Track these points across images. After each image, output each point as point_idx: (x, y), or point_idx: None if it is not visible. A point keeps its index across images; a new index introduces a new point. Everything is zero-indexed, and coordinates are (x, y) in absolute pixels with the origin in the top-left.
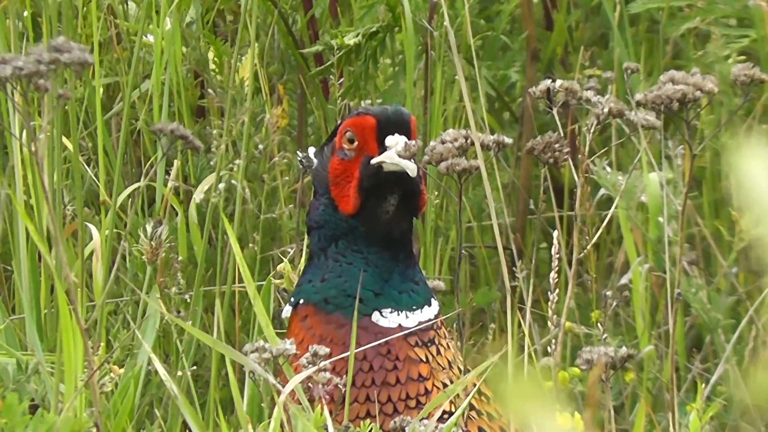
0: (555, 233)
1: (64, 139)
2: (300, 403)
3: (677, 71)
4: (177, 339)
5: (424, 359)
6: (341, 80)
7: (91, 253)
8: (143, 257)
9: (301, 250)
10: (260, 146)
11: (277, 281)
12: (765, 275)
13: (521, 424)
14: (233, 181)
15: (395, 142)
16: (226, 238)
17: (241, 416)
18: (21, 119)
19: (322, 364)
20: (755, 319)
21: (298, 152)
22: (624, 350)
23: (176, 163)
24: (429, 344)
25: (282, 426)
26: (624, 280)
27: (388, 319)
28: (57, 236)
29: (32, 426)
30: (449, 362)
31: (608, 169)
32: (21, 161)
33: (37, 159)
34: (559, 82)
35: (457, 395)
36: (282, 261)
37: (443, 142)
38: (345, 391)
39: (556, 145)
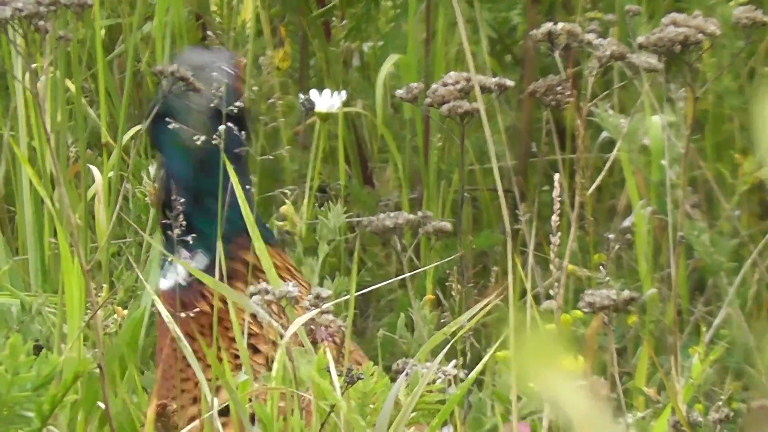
0: (557, 176)
1: (67, 81)
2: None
3: (679, 14)
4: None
5: None
6: (343, 22)
7: (94, 195)
8: (146, 199)
9: (303, 192)
10: (255, 88)
11: (280, 223)
12: None
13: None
14: None
15: None
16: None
17: (243, 355)
18: (23, 61)
19: (325, 306)
20: (758, 261)
21: (300, 94)
22: (626, 293)
23: None
24: None
25: (285, 369)
26: (626, 223)
27: None
28: (59, 178)
29: (36, 367)
30: None
31: (610, 112)
32: (24, 103)
33: (39, 101)
34: (560, 24)
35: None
36: (284, 203)
37: (445, 85)
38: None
39: (558, 88)
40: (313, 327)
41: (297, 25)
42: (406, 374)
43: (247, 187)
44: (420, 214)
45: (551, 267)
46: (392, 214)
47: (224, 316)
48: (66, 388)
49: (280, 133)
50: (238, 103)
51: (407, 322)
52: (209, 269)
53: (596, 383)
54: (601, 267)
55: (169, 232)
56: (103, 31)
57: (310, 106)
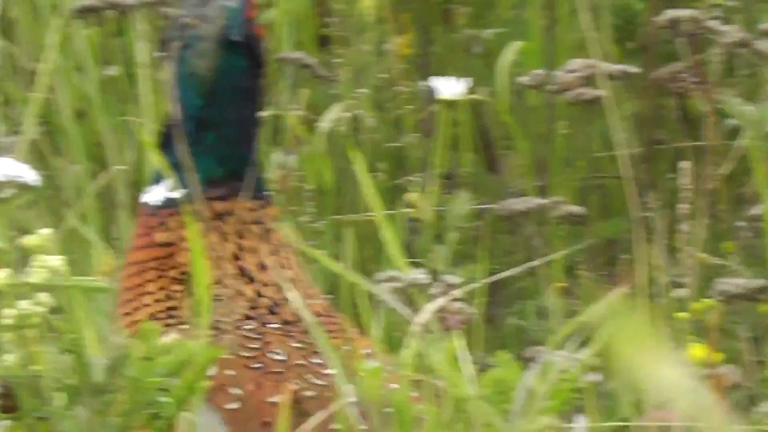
0: (685, 163)
1: None
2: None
3: None
4: (308, 268)
5: None
6: (464, 9)
7: None
8: (273, 186)
9: (429, 179)
10: (380, 75)
11: (408, 210)
12: None
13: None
14: (359, 111)
15: None
16: (354, 167)
17: (374, 342)
18: (148, 47)
19: (455, 293)
20: None
21: (422, 81)
22: (758, 281)
23: (303, 92)
24: None
25: (416, 356)
26: (755, 211)
27: None
28: (185, 162)
29: (171, 352)
30: None
31: (736, 99)
32: (148, 89)
33: (165, 87)
34: (684, 11)
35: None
36: (409, 190)
37: (569, 72)
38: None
39: (683, 75)
40: (443, 315)
41: (418, 12)
42: (538, 362)
43: (253, 128)
44: (549, 199)
45: (680, 255)
46: (523, 198)
47: (176, 253)
48: (200, 374)
49: (404, 121)
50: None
51: (537, 309)
52: (179, 203)
53: (725, 372)
54: (730, 255)
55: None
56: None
57: (432, 93)
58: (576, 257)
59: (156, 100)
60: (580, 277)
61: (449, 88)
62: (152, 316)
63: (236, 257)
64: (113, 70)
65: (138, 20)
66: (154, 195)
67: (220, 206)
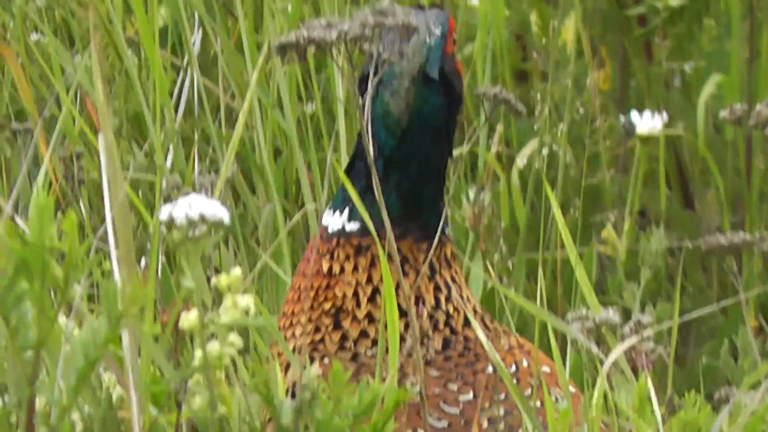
0: None
1: None
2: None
3: None
4: (500, 305)
5: None
6: (665, 42)
7: None
8: (466, 223)
9: (623, 216)
10: (581, 110)
11: (601, 247)
12: None
13: None
14: (555, 146)
15: None
16: (548, 204)
17: (562, 382)
18: (346, 83)
19: (646, 333)
20: None
21: (620, 116)
22: None
23: (499, 127)
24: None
25: (605, 396)
26: None
27: None
28: (379, 197)
29: (358, 394)
30: None
31: None
32: (345, 125)
33: (362, 123)
34: None
35: None
36: (604, 227)
37: None
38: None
39: None
40: (633, 354)
41: (618, 45)
42: (730, 404)
43: (443, 163)
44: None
45: None
46: (726, 233)
47: (333, 285)
48: (387, 417)
49: (600, 156)
50: (445, 68)
51: (730, 349)
52: (352, 235)
53: None
54: None
55: (349, 176)
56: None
57: (630, 128)
58: None
59: (353, 137)
60: None
61: (647, 122)
62: (296, 349)
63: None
64: (312, 107)
65: (337, 56)
66: (334, 221)
67: (404, 248)
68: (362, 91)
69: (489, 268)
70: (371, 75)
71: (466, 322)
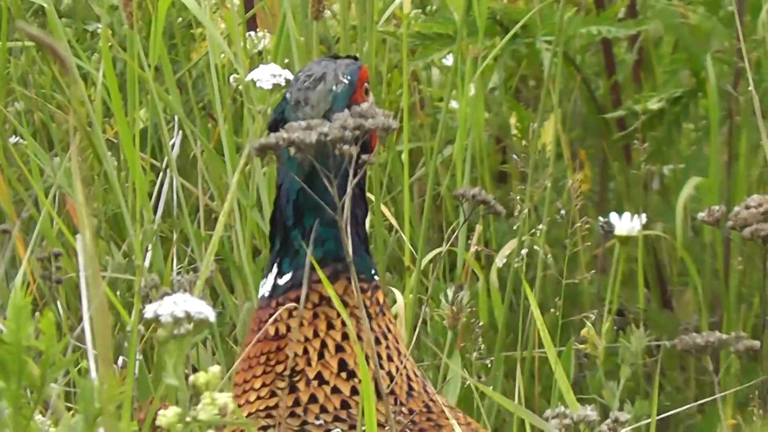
0: None
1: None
2: None
3: None
4: (478, 403)
5: None
6: (644, 145)
7: (395, 317)
8: (444, 321)
9: (602, 315)
10: (562, 211)
11: (580, 346)
12: None
13: None
14: (535, 247)
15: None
16: (526, 303)
17: None
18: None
19: (624, 431)
20: None
21: (599, 217)
22: None
23: (478, 227)
24: None
25: None
26: None
27: None
28: (359, 300)
29: None
30: None
31: None
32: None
33: (341, 224)
34: None
35: None
36: (583, 326)
37: (747, 208)
38: None
39: None
40: None
41: (597, 148)
42: None
43: (357, 212)
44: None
45: None
46: (703, 333)
47: (283, 346)
48: None
49: (579, 257)
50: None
51: None
52: (286, 289)
53: None
54: None
55: (271, 241)
56: (404, 155)
57: (609, 229)
58: (750, 394)
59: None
60: (753, 415)
61: (626, 224)
62: (251, 415)
63: (339, 348)
64: None
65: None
66: (267, 285)
67: (329, 289)
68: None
69: (467, 367)
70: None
71: (409, 390)
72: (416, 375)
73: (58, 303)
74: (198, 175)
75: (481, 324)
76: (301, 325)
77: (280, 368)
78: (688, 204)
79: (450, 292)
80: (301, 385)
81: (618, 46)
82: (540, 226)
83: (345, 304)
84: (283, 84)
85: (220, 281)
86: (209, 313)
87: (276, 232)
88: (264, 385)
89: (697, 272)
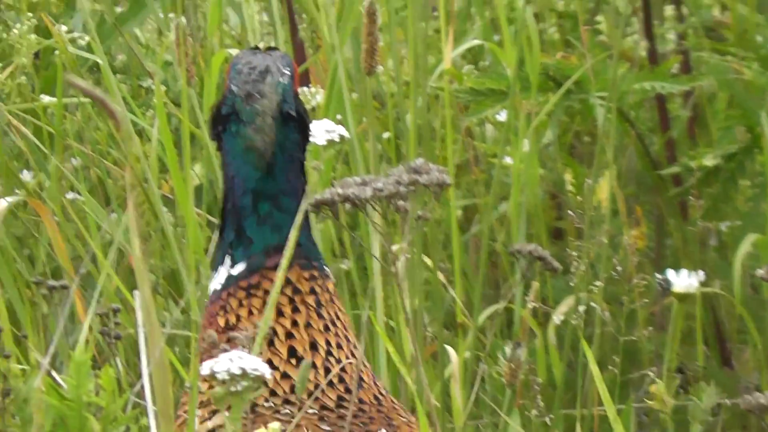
0: None
1: (425, 260)
2: None
3: None
4: None
5: None
6: (700, 202)
7: (450, 375)
8: (503, 379)
9: (661, 373)
10: (618, 268)
11: (641, 404)
12: None
13: None
14: (592, 303)
15: None
16: (584, 360)
17: None
18: (381, 240)
19: None
20: None
21: (656, 274)
22: None
23: (534, 284)
24: None
25: None
26: None
27: None
28: (417, 357)
29: None
30: None
31: None
32: (381, 283)
33: (398, 281)
34: None
35: None
36: (641, 384)
37: None
38: None
39: None
40: None
41: (653, 205)
42: None
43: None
44: None
45: None
46: (766, 392)
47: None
48: None
49: (636, 314)
50: (299, 106)
51: None
52: (239, 279)
53: None
54: None
55: (222, 235)
56: (459, 211)
57: (667, 286)
58: None
59: (388, 293)
60: None
61: (683, 281)
62: (203, 403)
63: (289, 335)
64: (347, 265)
65: (372, 214)
66: (217, 279)
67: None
68: (217, 130)
69: (526, 425)
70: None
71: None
72: (366, 366)
73: (117, 359)
74: None
75: (539, 381)
76: (251, 314)
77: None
78: (746, 261)
79: (508, 349)
80: None
81: (672, 102)
82: (597, 283)
83: (297, 292)
84: (337, 140)
85: None
86: (265, 370)
87: (227, 225)
88: None
89: (757, 330)
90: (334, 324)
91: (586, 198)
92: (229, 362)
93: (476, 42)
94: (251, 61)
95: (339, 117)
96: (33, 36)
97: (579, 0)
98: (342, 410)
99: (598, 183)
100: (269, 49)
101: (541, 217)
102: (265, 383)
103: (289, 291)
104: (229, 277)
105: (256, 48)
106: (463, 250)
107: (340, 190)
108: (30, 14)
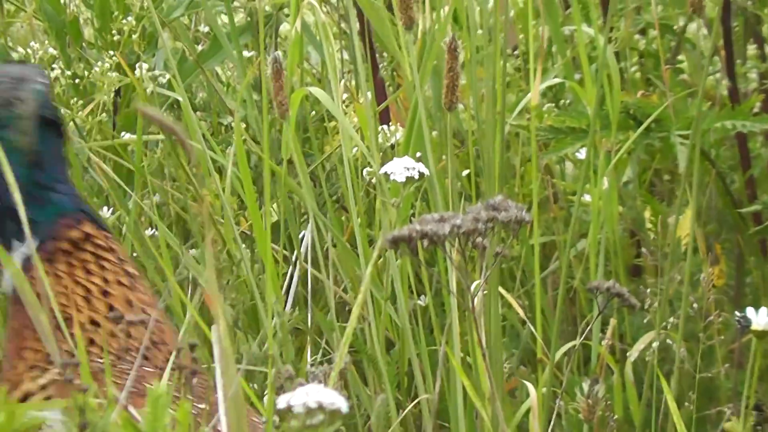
0: None
1: (503, 294)
2: None
3: None
4: None
5: None
6: None
7: (527, 411)
8: (580, 415)
9: (739, 410)
10: (695, 305)
11: None
12: None
13: None
14: (669, 340)
15: None
16: (661, 397)
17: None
18: (459, 277)
19: None
20: None
21: (735, 312)
22: None
23: (612, 321)
24: None
25: None
26: None
27: None
28: (494, 393)
29: None
30: None
31: None
32: (458, 318)
33: (474, 317)
34: None
35: None
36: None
37: None
38: None
39: None
40: None
41: (733, 243)
42: None
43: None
44: None
45: None
46: None
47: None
48: None
49: (715, 351)
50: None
51: None
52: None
53: None
54: None
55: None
56: (538, 248)
57: (745, 324)
58: None
59: (465, 329)
60: None
61: (763, 318)
62: (32, 368)
63: (105, 293)
64: (424, 300)
65: (450, 250)
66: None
67: (76, 233)
68: None
69: None
70: None
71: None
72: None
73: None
74: (330, 267)
75: (615, 418)
76: (59, 276)
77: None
78: None
79: (585, 386)
80: (76, 332)
81: (753, 140)
82: (674, 320)
83: (99, 247)
84: (416, 177)
85: (353, 373)
86: (341, 404)
87: (5, 224)
88: (37, 351)
89: None
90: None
91: (666, 236)
92: (306, 396)
93: (557, 80)
94: (7, 71)
95: (419, 155)
96: (114, 74)
97: (661, 39)
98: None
99: (678, 221)
100: (20, 62)
101: (620, 254)
102: (342, 416)
103: (90, 247)
104: (27, 258)
105: (6, 61)
106: (542, 287)
107: (418, 227)
108: (111, 52)
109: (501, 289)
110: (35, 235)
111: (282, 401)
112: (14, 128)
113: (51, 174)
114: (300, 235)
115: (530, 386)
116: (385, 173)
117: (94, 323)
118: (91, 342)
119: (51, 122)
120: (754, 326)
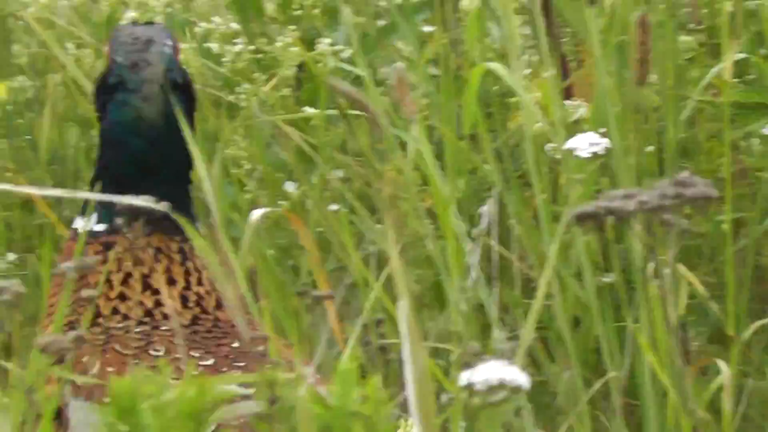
0: None
1: (685, 273)
2: None
3: None
4: None
5: None
6: None
7: (718, 389)
8: None
9: None
10: None
11: None
12: None
13: None
14: None
15: None
16: None
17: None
18: (645, 253)
19: None
20: None
21: None
22: None
23: None
24: None
25: None
26: None
27: None
28: (683, 371)
29: None
30: None
31: None
32: (645, 295)
33: (662, 294)
34: None
35: None
36: None
37: None
38: None
39: None
40: None
41: None
42: None
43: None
44: None
45: None
46: None
47: (86, 276)
48: None
49: None
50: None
51: None
52: (99, 235)
53: None
54: None
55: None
56: (724, 225)
57: None
58: None
59: (651, 307)
60: None
61: None
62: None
63: (144, 276)
64: (610, 277)
65: (637, 226)
66: (81, 225)
67: (156, 241)
68: (102, 100)
69: None
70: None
71: (218, 306)
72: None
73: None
74: (514, 243)
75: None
76: (105, 262)
77: (83, 293)
78: None
79: None
80: (101, 302)
81: None
82: None
83: (160, 251)
84: (601, 152)
85: (539, 350)
86: (523, 381)
87: (106, 185)
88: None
89: None
90: (198, 271)
91: None
92: (488, 372)
93: (741, 55)
94: (134, 32)
95: (603, 130)
96: (296, 48)
97: None
98: (196, 326)
99: None
100: (148, 23)
101: None
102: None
103: (151, 250)
104: (92, 231)
105: (135, 22)
106: (732, 264)
107: (603, 203)
108: (293, 27)
109: (682, 266)
110: (107, 218)
111: (464, 378)
112: (139, 94)
113: (163, 157)
114: (479, 210)
115: (722, 364)
116: (570, 149)
117: (123, 296)
118: (115, 311)
119: (179, 86)
120: None
